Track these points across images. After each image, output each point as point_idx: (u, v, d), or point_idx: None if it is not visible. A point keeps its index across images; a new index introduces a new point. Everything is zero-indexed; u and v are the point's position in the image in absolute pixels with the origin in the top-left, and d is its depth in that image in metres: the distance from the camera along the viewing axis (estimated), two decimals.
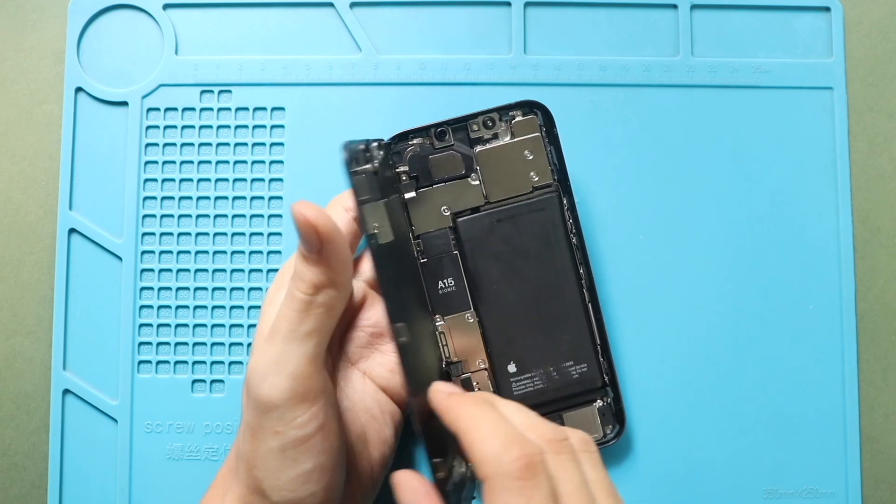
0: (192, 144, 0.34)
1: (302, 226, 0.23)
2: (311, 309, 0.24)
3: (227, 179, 0.34)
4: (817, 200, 0.34)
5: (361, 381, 0.29)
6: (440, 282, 0.31)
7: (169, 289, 0.33)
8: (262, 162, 0.34)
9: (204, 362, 0.33)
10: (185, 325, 0.33)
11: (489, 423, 0.22)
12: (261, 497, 0.24)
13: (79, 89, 0.34)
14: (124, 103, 0.34)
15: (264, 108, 0.34)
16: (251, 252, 0.34)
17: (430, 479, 0.24)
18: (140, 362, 0.33)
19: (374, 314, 0.30)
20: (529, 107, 0.31)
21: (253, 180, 0.34)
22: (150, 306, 0.33)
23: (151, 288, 0.33)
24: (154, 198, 0.34)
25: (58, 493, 0.33)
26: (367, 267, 0.31)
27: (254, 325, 0.33)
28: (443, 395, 0.24)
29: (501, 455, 0.21)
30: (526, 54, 0.35)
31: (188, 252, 0.34)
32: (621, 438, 0.31)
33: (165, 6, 0.35)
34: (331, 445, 0.24)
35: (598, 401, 0.31)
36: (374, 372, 0.29)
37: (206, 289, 0.33)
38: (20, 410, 0.34)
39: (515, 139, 0.31)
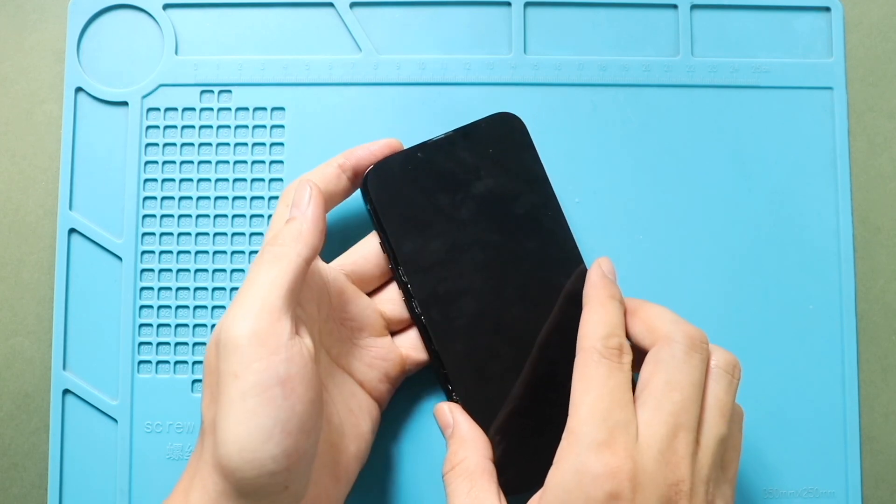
0: (192, 144, 0.34)
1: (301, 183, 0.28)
2: (276, 261, 0.25)
3: (227, 179, 0.34)
4: (817, 200, 0.34)
5: (341, 375, 0.29)
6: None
7: (169, 289, 0.33)
8: (262, 162, 0.34)
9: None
10: (185, 325, 0.33)
11: (607, 314, 0.27)
12: (223, 476, 0.24)
13: (79, 89, 0.34)
14: (124, 103, 0.34)
15: (264, 108, 0.34)
16: (251, 252, 0.34)
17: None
18: (140, 362, 0.33)
19: (354, 308, 0.30)
20: (502, 120, 0.31)
21: (253, 180, 0.34)
22: (150, 306, 0.33)
23: (151, 288, 0.33)
24: (154, 198, 0.34)
25: (58, 493, 0.33)
26: (348, 260, 0.31)
27: None
28: (597, 275, 0.29)
29: (600, 339, 0.26)
30: (526, 54, 0.35)
31: (188, 252, 0.34)
32: None
33: (165, 6, 0.35)
34: (293, 406, 0.24)
35: None
36: (352, 367, 0.30)
37: (206, 289, 0.33)
38: (20, 410, 0.34)
39: None
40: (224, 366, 0.24)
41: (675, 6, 0.35)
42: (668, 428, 0.25)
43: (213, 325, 0.33)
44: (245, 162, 0.34)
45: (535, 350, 0.29)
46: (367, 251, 0.31)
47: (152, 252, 0.34)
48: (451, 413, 0.29)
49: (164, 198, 0.34)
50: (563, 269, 0.30)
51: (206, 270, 0.34)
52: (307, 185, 0.27)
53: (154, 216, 0.34)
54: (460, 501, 0.26)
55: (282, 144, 0.34)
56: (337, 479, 0.28)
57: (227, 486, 0.24)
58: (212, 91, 0.34)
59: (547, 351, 0.29)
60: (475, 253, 0.30)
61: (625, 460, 0.24)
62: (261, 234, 0.34)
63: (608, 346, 0.26)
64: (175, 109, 0.34)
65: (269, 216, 0.34)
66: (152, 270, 0.34)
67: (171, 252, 0.34)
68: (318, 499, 0.26)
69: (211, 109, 0.34)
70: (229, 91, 0.34)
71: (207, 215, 0.34)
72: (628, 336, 0.28)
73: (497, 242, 0.30)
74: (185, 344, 0.33)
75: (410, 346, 0.31)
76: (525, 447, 0.29)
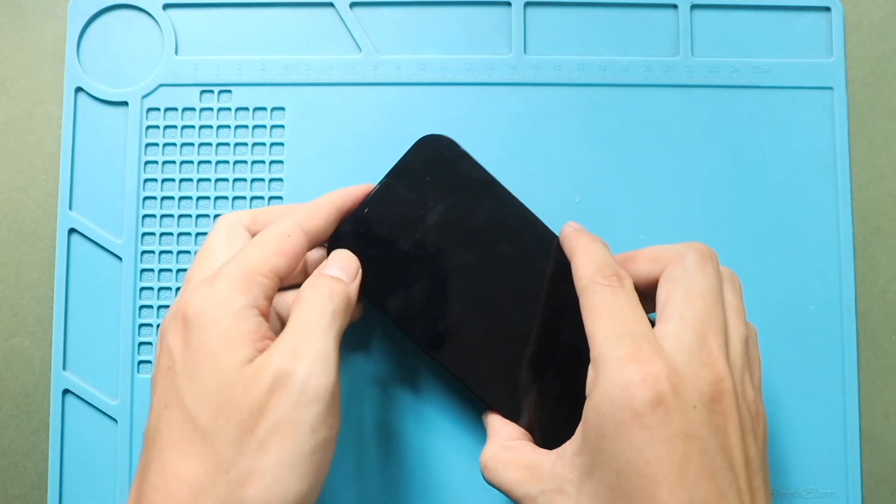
0: (192, 144, 0.34)
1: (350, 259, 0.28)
2: (337, 316, 0.25)
3: (227, 179, 0.34)
4: (817, 200, 0.34)
5: None
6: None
7: (169, 289, 0.33)
8: (262, 162, 0.34)
9: None
10: None
11: (595, 252, 0.27)
12: None
13: (79, 89, 0.34)
14: (124, 103, 0.34)
15: (264, 108, 0.34)
16: None
17: None
18: (140, 362, 0.33)
19: None
20: (425, 145, 0.30)
21: (253, 180, 0.34)
22: (150, 306, 0.33)
23: (151, 288, 0.33)
24: (154, 198, 0.34)
25: (58, 493, 0.33)
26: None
27: None
28: (571, 229, 0.29)
29: (596, 272, 0.26)
30: (526, 54, 0.35)
31: (188, 252, 0.34)
32: None
33: (165, 6, 0.35)
34: (331, 459, 0.24)
35: None
36: None
37: None
38: (20, 410, 0.34)
39: None
40: (294, 412, 0.23)
41: (675, 6, 0.35)
42: (696, 334, 0.24)
43: None
44: (245, 162, 0.34)
45: (540, 330, 0.29)
46: None
47: (152, 252, 0.34)
48: (486, 419, 0.30)
49: (164, 198, 0.34)
50: (544, 253, 0.30)
51: None
52: (355, 259, 0.28)
53: (154, 216, 0.34)
54: (507, 482, 0.26)
55: (282, 144, 0.34)
56: None
57: None
58: (212, 91, 0.34)
59: (559, 328, 0.29)
60: (457, 280, 0.29)
61: (656, 363, 0.23)
62: None
63: (605, 275, 0.26)
64: (175, 109, 0.34)
65: None
66: (152, 270, 0.34)
67: (171, 252, 0.34)
68: None
69: (211, 109, 0.34)
70: (229, 91, 0.34)
71: (207, 215, 0.34)
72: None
73: (473, 260, 0.30)
74: None
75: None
76: (565, 426, 0.28)
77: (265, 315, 0.25)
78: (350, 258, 0.28)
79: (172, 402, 0.24)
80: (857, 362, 0.33)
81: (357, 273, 0.28)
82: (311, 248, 0.28)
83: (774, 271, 0.34)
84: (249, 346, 0.24)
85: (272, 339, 0.25)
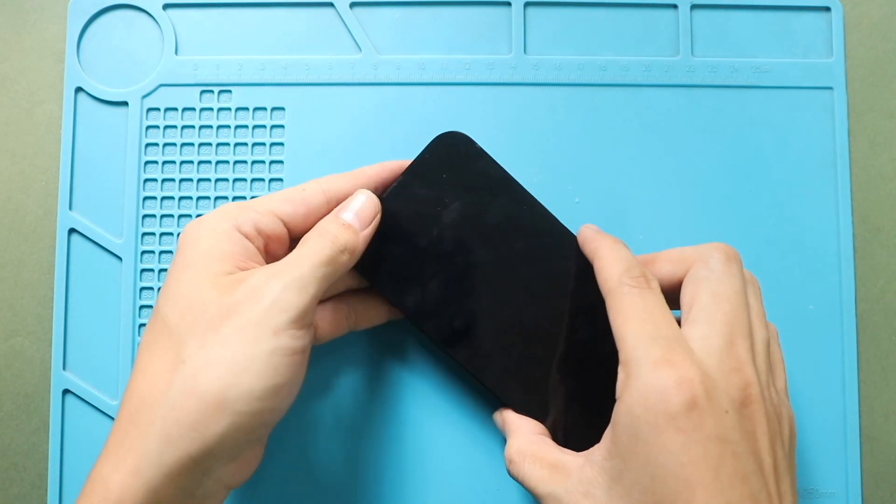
0: (192, 144, 0.34)
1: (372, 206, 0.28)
2: (330, 263, 0.26)
3: (227, 179, 0.34)
4: (817, 200, 0.34)
5: None
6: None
7: None
8: (262, 162, 0.34)
9: None
10: None
11: (619, 253, 0.27)
12: (213, 416, 0.23)
13: (79, 89, 0.34)
14: (124, 103, 0.34)
15: (264, 108, 0.34)
16: None
17: None
18: None
19: None
20: (443, 142, 0.30)
21: (253, 180, 0.34)
22: (150, 306, 0.33)
23: (151, 288, 0.33)
24: (154, 198, 0.34)
25: (58, 493, 0.33)
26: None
27: None
28: (591, 230, 0.29)
29: (623, 273, 0.26)
30: (526, 54, 0.35)
31: None
32: None
33: (165, 6, 0.35)
34: (300, 373, 0.25)
35: None
36: None
37: None
38: (20, 410, 0.34)
39: None
40: (259, 316, 0.24)
41: (675, 6, 0.35)
42: (725, 338, 0.24)
43: None
44: (245, 162, 0.34)
45: (562, 330, 0.29)
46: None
47: (152, 252, 0.34)
48: (500, 416, 0.30)
49: (164, 198, 0.34)
50: (561, 252, 0.30)
51: None
52: (376, 205, 0.28)
53: (154, 216, 0.34)
54: (532, 478, 0.26)
55: (282, 144, 0.34)
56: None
57: (195, 431, 0.23)
58: (212, 91, 0.34)
59: (576, 327, 0.29)
60: (473, 277, 0.30)
61: (690, 368, 0.23)
62: None
63: (632, 276, 0.26)
64: (175, 109, 0.34)
65: None
66: (152, 270, 0.34)
67: (170, 252, 0.34)
68: (241, 465, 0.27)
69: (211, 109, 0.34)
70: (229, 91, 0.34)
71: None
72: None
73: (489, 258, 0.30)
74: None
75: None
76: (586, 426, 0.28)
77: (258, 247, 0.27)
78: (370, 202, 0.28)
79: (153, 313, 0.26)
80: (857, 362, 0.33)
81: (373, 218, 0.28)
82: (331, 205, 0.29)
83: (774, 271, 0.34)
84: (229, 262, 0.26)
85: (258, 266, 0.26)
